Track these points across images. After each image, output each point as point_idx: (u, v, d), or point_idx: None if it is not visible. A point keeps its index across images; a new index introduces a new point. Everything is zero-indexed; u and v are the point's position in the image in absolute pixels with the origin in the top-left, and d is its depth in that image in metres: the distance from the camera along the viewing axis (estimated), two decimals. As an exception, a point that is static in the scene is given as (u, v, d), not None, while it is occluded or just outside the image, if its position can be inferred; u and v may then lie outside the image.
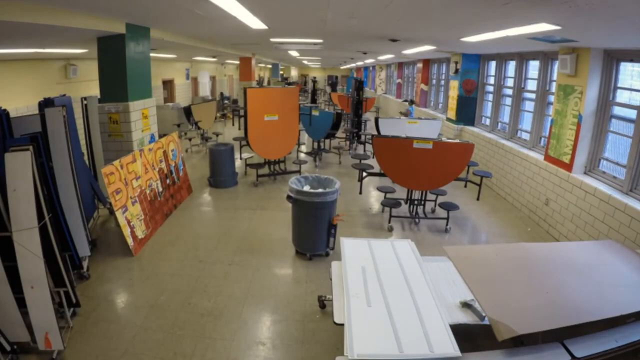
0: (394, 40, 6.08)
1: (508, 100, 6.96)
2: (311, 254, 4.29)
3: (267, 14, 4.12)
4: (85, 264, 3.84)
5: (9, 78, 6.24)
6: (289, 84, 12.01)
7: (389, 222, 5.21)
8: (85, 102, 5.27)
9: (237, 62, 13.82)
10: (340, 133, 11.95)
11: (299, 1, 3.50)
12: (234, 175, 6.83)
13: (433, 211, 5.80)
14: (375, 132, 7.47)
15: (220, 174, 6.63)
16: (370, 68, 21.67)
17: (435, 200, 5.81)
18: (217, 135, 10.58)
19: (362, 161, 6.29)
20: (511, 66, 6.89)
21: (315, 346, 2.97)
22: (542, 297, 2.38)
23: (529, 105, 6.28)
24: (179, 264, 4.15)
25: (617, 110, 4.46)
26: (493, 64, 7.51)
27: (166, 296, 3.56)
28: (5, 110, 3.22)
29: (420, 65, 11.48)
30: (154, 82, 7.71)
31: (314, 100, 15.74)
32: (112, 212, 5.14)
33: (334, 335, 3.05)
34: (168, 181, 5.45)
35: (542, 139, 5.87)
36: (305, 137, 9.97)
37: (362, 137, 9.87)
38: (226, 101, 16.67)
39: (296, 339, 3.05)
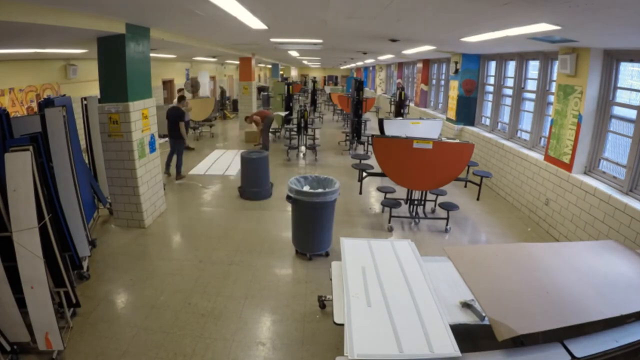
0: (394, 40, 6.08)
1: (508, 100, 6.96)
2: (311, 254, 4.29)
3: (267, 14, 4.12)
4: (85, 264, 3.83)
5: (9, 78, 6.25)
6: (289, 84, 11.96)
7: (389, 222, 5.21)
8: (85, 102, 5.28)
9: (237, 62, 13.81)
10: (340, 133, 11.98)
11: (299, 1, 3.50)
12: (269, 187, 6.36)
13: (433, 211, 5.80)
14: (374, 132, 7.46)
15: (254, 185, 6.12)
16: (370, 68, 21.67)
17: (435, 200, 5.81)
18: (212, 134, 10.82)
19: (362, 161, 6.29)
20: (511, 66, 6.89)
21: (315, 346, 2.97)
22: (543, 297, 2.38)
23: (529, 105, 6.28)
24: (179, 264, 4.15)
25: (617, 110, 4.46)
26: (493, 64, 7.51)
27: (166, 296, 3.56)
28: (5, 110, 3.22)
29: (420, 65, 11.49)
30: (154, 82, 7.71)
31: (314, 100, 15.74)
32: (111, 212, 5.14)
33: (334, 335, 3.05)
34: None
35: (542, 139, 5.87)
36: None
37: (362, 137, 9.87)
38: (227, 101, 16.68)
39: (296, 339, 3.05)
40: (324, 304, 3.41)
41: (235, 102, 16.32)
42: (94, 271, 3.94)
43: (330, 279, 3.00)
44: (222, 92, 16.68)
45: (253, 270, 4.06)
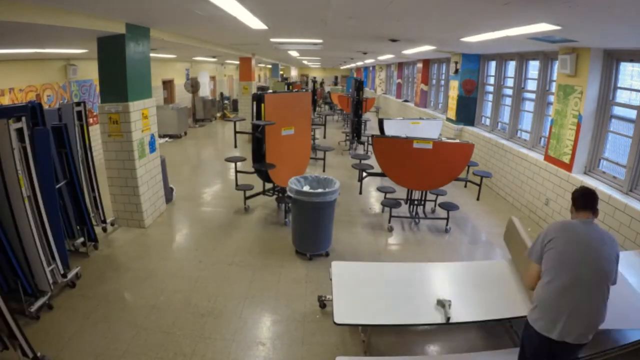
0: (394, 41, 6.07)
1: (508, 101, 6.96)
2: (311, 254, 4.29)
3: (267, 14, 4.12)
4: (75, 271, 3.75)
5: (9, 78, 6.25)
6: (289, 84, 11.94)
7: (389, 222, 5.21)
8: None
9: (237, 62, 13.79)
10: (340, 133, 11.97)
11: (299, 1, 3.50)
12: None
13: (433, 211, 5.79)
14: (373, 132, 7.45)
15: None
16: (370, 68, 21.66)
17: (435, 200, 5.80)
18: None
19: (362, 161, 6.29)
20: (511, 66, 6.89)
21: (315, 346, 2.97)
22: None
23: (529, 105, 6.28)
24: (179, 264, 4.15)
25: (617, 110, 4.46)
26: (493, 64, 7.51)
27: (166, 296, 3.56)
28: (38, 102, 3.45)
29: (420, 65, 11.49)
30: (154, 82, 7.70)
31: (314, 101, 15.71)
32: (96, 247, 4.49)
33: (334, 335, 3.05)
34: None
35: (542, 139, 5.87)
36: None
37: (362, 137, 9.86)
38: (226, 101, 16.70)
39: (296, 339, 3.05)
40: (324, 303, 3.41)
41: (235, 102, 16.35)
42: (94, 271, 3.94)
43: (330, 279, 3.00)
44: (222, 94, 16.95)
45: (253, 270, 4.06)
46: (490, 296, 2.79)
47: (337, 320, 2.45)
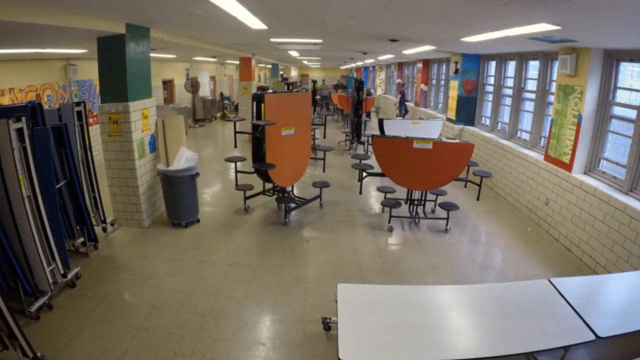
0: (394, 40, 6.07)
1: (508, 101, 6.96)
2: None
3: (267, 14, 4.12)
4: (75, 271, 3.76)
5: (9, 78, 6.25)
6: (289, 84, 11.93)
7: (389, 222, 5.21)
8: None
9: (237, 62, 13.80)
10: (340, 133, 11.98)
11: (299, 1, 3.50)
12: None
13: (433, 211, 5.80)
14: (373, 132, 7.45)
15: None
16: (370, 68, 21.67)
17: (435, 201, 5.81)
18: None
19: (362, 161, 6.29)
20: (511, 66, 6.90)
21: (315, 346, 2.97)
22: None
23: (529, 105, 6.28)
24: (179, 264, 4.15)
25: (617, 111, 4.46)
26: (493, 64, 7.51)
27: (166, 296, 3.56)
28: (38, 102, 3.45)
29: (420, 65, 11.49)
30: (154, 82, 7.71)
31: (314, 102, 15.69)
32: (96, 247, 4.55)
33: (333, 336, 3.04)
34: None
35: (542, 139, 5.87)
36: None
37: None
38: (226, 101, 16.70)
39: (296, 339, 3.05)
40: (328, 326, 3.15)
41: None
42: (94, 271, 3.94)
43: (336, 301, 2.69)
44: (222, 94, 17.00)
45: (253, 270, 4.06)
46: (526, 324, 2.44)
47: (343, 357, 2.20)
